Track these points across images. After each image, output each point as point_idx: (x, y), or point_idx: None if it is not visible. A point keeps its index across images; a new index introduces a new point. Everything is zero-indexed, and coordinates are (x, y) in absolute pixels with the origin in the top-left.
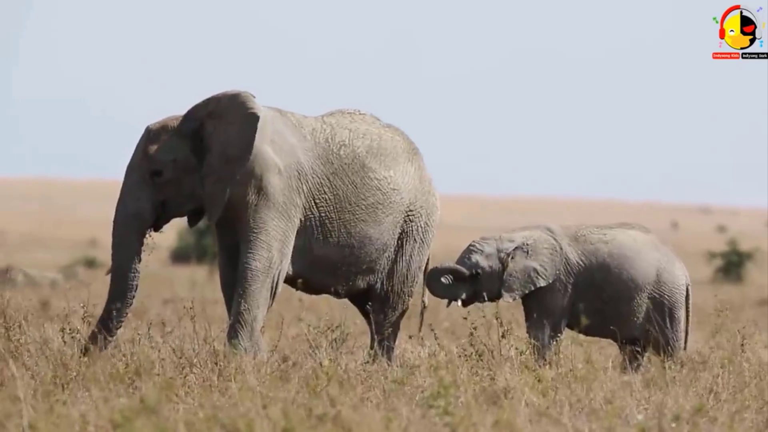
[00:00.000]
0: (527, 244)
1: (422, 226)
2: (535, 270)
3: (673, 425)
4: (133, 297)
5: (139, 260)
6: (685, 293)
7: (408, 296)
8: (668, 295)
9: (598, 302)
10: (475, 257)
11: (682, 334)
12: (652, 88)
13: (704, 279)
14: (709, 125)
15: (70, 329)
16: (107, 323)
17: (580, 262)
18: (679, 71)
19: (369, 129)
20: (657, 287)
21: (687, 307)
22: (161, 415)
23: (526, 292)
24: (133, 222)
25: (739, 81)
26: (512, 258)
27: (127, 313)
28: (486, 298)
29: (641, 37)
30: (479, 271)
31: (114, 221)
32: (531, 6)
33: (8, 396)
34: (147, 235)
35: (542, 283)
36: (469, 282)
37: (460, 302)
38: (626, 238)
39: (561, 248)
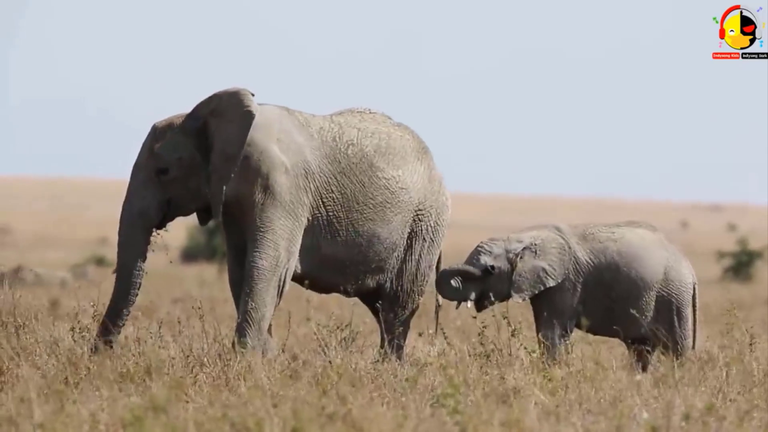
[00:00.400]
0: (535, 244)
1: (432, 225)
2: (544, 270)
3: (683, 424)
4: (136, 295)
5: (145, 259)
6: (692, 292)
7: (418, 295)
8: (676, 294)
9: (607, 301)
10: (484, 258)
11: (690, 333)
12: (656, 87)
13: (714, 278)
14: (717, 124)
15: (80, 328)
16: (112, 321)
17: (589, 261)
18: (679, 71)
19: (378, 128)
20: (665, 285)
21: (694, 306)
22: (171, 414)
23: (536, 292)
24: (139, 221)
25: (739, 80)
26: (521, 258)
27: (129, 311)
28: (496, 299)
29: (643, 36)
30: (489, 270)
31: (120, 220)
32: (531, 6)
33: (18, 395)
34: (154, 234)
35: (551, 283)
36: (479, 283)
37: (470, 303)
38: (634, 237)
39: (569, 247)
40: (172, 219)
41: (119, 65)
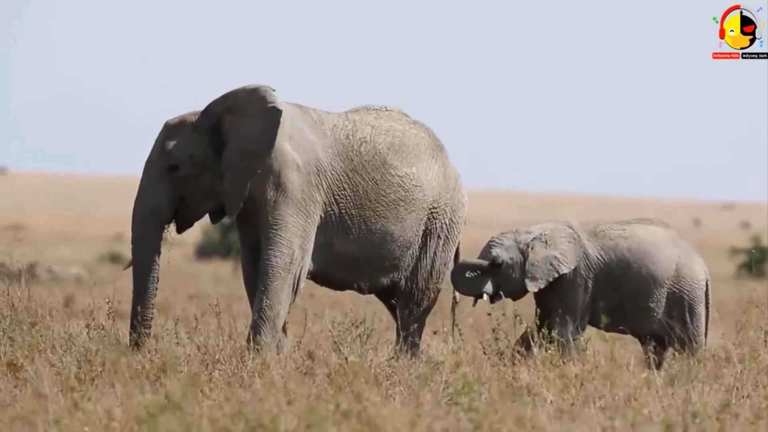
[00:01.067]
0: (545, 234)
1: (447, 223)
2: (556, 258)
3: (697, 421)
4: (156, 289)
5: (159, 254)
6: (704, 288)
7: (433, 293)
8: (688, 291)
9: (618, 297)
10: (496, 251)
11: (703, 330)
12: (655, 87)
13: (728, 275)
14: (721, 124)
15: (95, 325)
16: (138, 321)
17: (600, 258)
18: (679, 71)
19: (393, 126)
20: (676, 282)
21: (707, 303)
22: (186, 411)
23: (550, 280)
24: (150, 217)
25: (739, 80)
26: (532, 248)
27: (153, 305)
28: (511, 291)
29: (643, 36)
30: (502, 263)
31: (132, 217)
32: (531, 6)
33: (33, 392)
34: (166, 230)
35: (564, 270)
36: (493, 276)
37: (486, 297)
38: (645, 234)
39: (579, 237)
40: (187, 221)
41: (128, 63)
